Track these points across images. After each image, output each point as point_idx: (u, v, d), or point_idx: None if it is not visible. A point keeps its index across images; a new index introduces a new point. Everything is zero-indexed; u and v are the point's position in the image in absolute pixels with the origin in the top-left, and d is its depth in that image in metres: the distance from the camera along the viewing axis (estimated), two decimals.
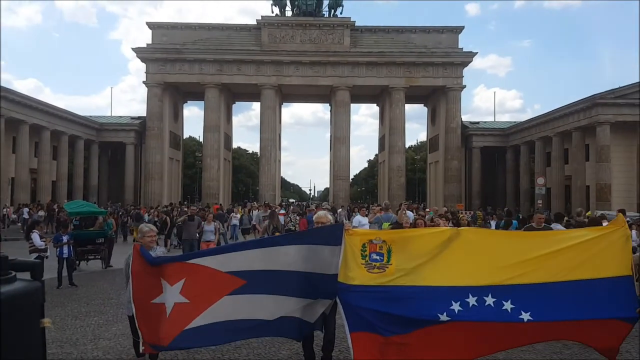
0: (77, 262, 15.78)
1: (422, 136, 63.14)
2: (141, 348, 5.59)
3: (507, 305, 5.33)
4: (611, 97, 33.40)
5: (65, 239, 12.72)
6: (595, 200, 34.20)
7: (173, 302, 5.58)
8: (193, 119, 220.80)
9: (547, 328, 5.49)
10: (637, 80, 33.27)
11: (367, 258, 5.74)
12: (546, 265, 5.43)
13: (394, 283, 5.65)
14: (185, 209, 20.99)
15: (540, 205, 33.10)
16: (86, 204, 19.59)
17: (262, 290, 5.69)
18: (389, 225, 7.48)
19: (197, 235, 14.70)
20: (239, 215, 24.98)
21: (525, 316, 5.25)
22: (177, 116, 49.02)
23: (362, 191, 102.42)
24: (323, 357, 6.14)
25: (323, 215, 6.44)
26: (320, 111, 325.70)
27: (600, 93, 33.60)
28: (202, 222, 15.03)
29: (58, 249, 12.57)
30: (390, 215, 10.34)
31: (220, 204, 37.76)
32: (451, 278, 5.57)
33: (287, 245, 5.74)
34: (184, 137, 55.92)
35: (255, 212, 21.81)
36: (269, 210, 17.81)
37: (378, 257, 5.75)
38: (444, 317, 5.41)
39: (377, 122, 56.83)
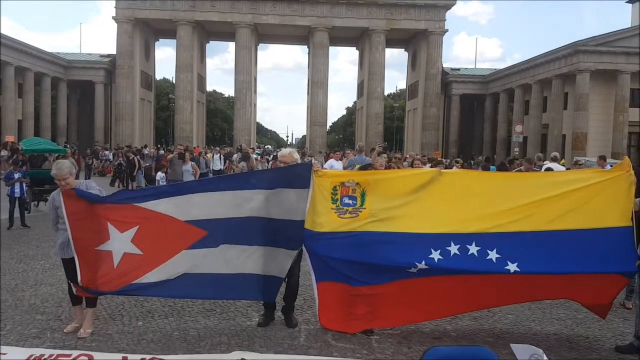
0: (36, 202, 14.94)
1: (402, 84, 62.09)
2: (73, 289, 4.96)
3: (492, 255, 4.79)
4: (593, 44, 32.91)
5: (16, 176, 11.78)
6: (571, 149, 34.19)
7: (122, 252, 4.90)
8: (167, 62, 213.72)
9: (536, 282, 4.98)
10: (619, 29, 32.66)
11: (338, 202, 5.10)
12: (539, 211, 4.85)
13: (366, 228, 5.04)
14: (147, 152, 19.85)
15: (517, 153, 32.94)
16: (43, 142, 18.41)
17: (223, 241, 5.03)
18: (359, 167, 6.76)
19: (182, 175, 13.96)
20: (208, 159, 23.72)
21: (512, 267, 4.72)
22: (149, 55, 46.87)
23: (340, 139, 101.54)
24: (285, 306, 5.54)
25: (287, 154, 5.57)
26: (299, 56, 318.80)
27: (582, 40, 33.07)
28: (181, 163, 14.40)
29: (9, 188, 11.67)
30: (363, 157, 9.72)
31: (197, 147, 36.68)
32: (432, 224, 4.98)
33: (251, 190, 5.03)
34: (157, 79, 53.88)
35: (215, 157, 20.58)
36: (241, 153, 17.03)
37: (350, 201, 5.12)
38: (422, 266, 4.87)
39: (356, 68, 55.41)
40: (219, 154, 20.90)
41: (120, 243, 4.88)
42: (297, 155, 5.57)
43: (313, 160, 6.66)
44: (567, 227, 4.76)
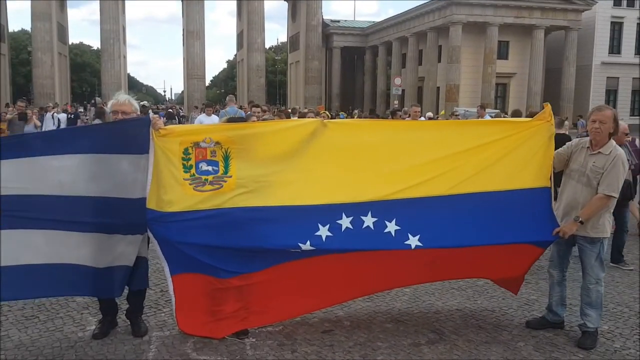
0: None
1: (283, 37, 60.50)
2: None
3: (391, 227, 3.89)
4: None
5: None
6: (445, 100, 35.37)
7: None
8: (25, 12, 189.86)
9: (440, 260, 4.19)
10: None
11: (192, 170, 3.84)
12: (446, 170, 3.96)
13: (234, 203, 3.87)
14: None
15: (397, 105, 33.38)
16: None
17: (26, 224, 3.58)
18: (225, 120, 5.43)
19: None
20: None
21: (413, 241, 3.85)
22: None
23: (221, 94, 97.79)
24: (130, 308, 4.15)
25: (125, 102, 3.95)
26: (173, 5, 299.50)
27: None
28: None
29: None
30: (235, 109, 8.42)
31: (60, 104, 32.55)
32: (318, 193, 3.93)
33: (62, 155, 3.59)
34: (14, 30, 47.27)
35: (59, 116, 17.59)
36: (95, 108, 14.80)
37: (210, 168, 3.88)
38: (306, 247, 3.84)
39: (235, 20, 52.75)
40: (51, 113, 17.49)
41: None
42: (137, 106, 4.13)
43: (151, 113, 5.20)
44: (477, 190, 3.99)
